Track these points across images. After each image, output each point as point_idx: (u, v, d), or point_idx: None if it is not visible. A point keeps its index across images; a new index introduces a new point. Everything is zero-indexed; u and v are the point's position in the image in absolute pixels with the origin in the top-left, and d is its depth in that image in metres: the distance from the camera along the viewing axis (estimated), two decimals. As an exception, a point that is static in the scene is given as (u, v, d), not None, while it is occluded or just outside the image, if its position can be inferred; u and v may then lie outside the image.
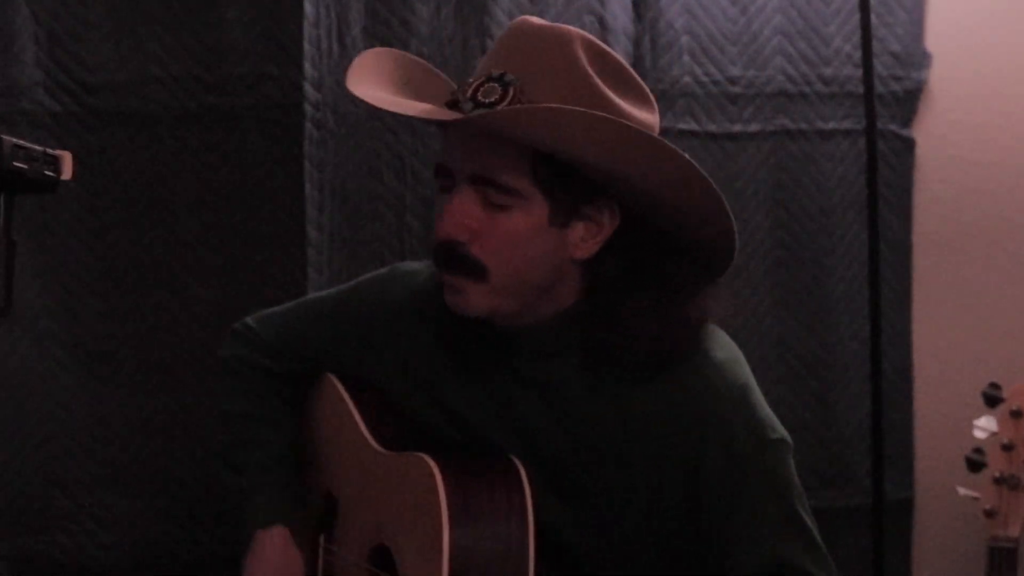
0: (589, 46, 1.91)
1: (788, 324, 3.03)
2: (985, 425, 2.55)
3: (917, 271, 3.11)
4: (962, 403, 2.86)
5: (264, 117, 2.76)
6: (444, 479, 1.92)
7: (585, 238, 1.92)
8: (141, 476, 2.79)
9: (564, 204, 1.89)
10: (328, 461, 2.20)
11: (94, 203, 2.76)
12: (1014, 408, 2.54)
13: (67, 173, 1.73)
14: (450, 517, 1.89)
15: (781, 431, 1.96)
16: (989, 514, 2.52)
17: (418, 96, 1.97)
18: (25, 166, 1.66)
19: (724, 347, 2.01)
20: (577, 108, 1.83)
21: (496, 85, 1.87)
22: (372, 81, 2.00)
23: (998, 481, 2.52)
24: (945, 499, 2.92)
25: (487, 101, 1.87)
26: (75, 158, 1.74)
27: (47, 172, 1.70)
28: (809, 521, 1.95)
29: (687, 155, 1.90)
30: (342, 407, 2.16)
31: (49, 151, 1.71)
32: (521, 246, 1.90)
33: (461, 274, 1.93)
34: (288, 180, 2.76)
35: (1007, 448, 2.52)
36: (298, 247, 2.75)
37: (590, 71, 1.88)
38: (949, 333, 3.11)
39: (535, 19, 1.95)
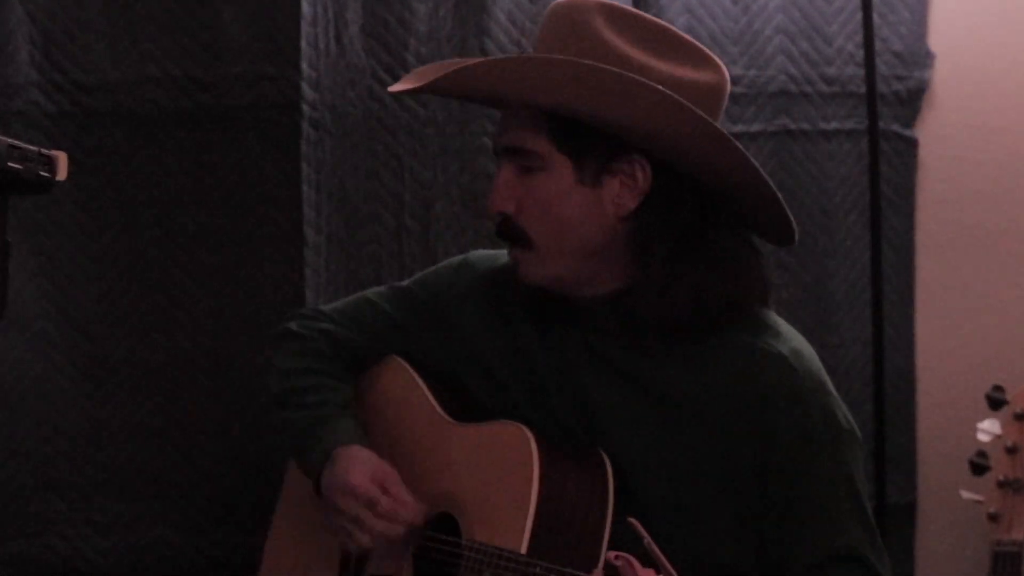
0: (611, 11, 1.95)
1: (789, 326, 3.03)
2: (989, 428, 2.55)
3: (920, 273, 3.11)
4: (965, 406, 2.86)
5: (261, 117, 2.76)
6: (539, 445, 1.96)
7: (621, 194, 1.96)
8: (137, 479, 2.78)
9: (589, 162, 1.94)
10: (387, 438, 2.20)
11: (89, 204, 2.76)
12: (1018, 411, 2.53)
13: (62, 174, 1.73)
14: (540, 486, 1.92)
15: (853, 424, 2.01)
16: (993, 518, 2.52)
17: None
18: (20, 166, 1.66)
19: (796, 334, 2.05)
20: (553, 56, 1.90)
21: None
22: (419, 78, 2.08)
23: (1002, 484, 2.52)
24: (948, 503, 2.92)
25: None
26: (70, 158, 1.74)
27: (42, 172, 1.70)
28: (871, 514, 2.01)
29: (700, 111, 1.91)
30: (410, 384, 2.20)
31: (44, 151, 1.71)
32: (555, 208, 1.96)
33: (514, 245, 2.01)
34: (285, 181, 2.76)
35: (1011, 451, 2.52)
36: (295, 248, 2.75)
37: (603, 31, 1.92)
38: (952, 335, 3.11)
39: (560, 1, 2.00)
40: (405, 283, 2.30)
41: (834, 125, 3.05)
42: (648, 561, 1.75)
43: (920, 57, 3.08)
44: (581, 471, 1.98)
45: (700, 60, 1.97)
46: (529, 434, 1.98)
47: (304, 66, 2.74)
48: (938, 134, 3.10)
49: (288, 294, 2.74)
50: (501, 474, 1.99)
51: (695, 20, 2.97)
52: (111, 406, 2.77)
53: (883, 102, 3.02)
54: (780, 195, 1.99)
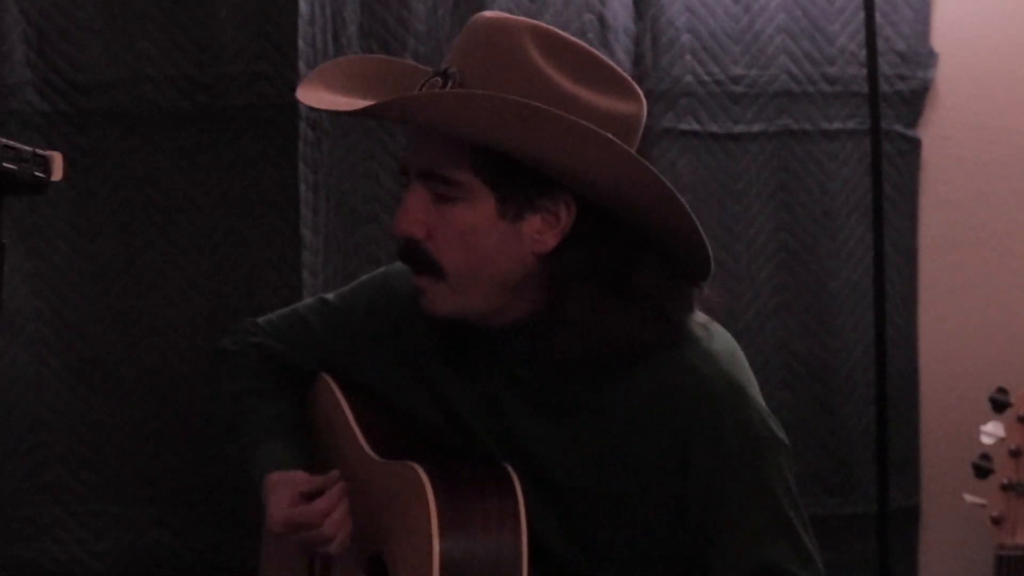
0: (542, 36, 1.88)
1: (791, 328, 3.03)
2: (992, 431, 2.55)
3: (923, 274, 3.11)
4: (969, 408, 2.86)
5: (258, 117, 2.76)
6: (434, 489, 1.91)
7: (542, 231, 1.90)
8: (133, 482, 2.79)
9: (512, 196, 1.88)
10: (324, 462, 2.20)
11: (85, 205, 2.76)
12: (1022, 413, 2.54)
13: (57, 174, 1.73)
14: (440, 528, 1.88)
15: (774, 430, 1.94)
16: (996, 521, 2.52)
17: (383, 94, 1.96)
18: (14, 167, 1.66)
19: (720, 340, 1.99)
20: (478, 92, 1.83)
21: (439, 79, 1.88)
22: (330, 82, 2.00)
23: (1006, 488, 2.52)
24: (952, 506, 2.92)
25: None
26: (65, 159, 1.74)
27: (37, 173, 1.70)
28: (799, 524, 1.93)
29: (633, 151, 1.88)
30: (338, 410, 2.16)
31: (39, 151, 1.70)
32: (472, 241, 1.89)
33: (422, 273, 1.93)
34: (282, 181, 2.76)
35: (1015, 454, 2.53)
36: (292, 249, 2.75)
37: (537, 59, 1.86)
38: (956, 337, 3.11)
39: (490, 13, 1.94)
40: (331, 297, 2.25)
41: (836, 125, 3.05)
42: None
43: (923, 56, 3.08)
44: (487, 504, 1.92)
45: (623, 89, 1.92)
46: (424, 478, 1.92)
47: (302, 65, 2.74)
48: (941, 134, 3.10)
49: (285, 296, 2.73)
50: (406, 521, 1.95)
51: (696, 19, 2.97)
52: (106, 409, 2.77)
53: (886, 102, 3.02)
54: (705, 238, 1.92)
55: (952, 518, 3.03)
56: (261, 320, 2.30)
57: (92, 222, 2.76)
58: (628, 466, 1.95)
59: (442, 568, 1.88)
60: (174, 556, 2.78)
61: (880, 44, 2.98)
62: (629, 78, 1.93)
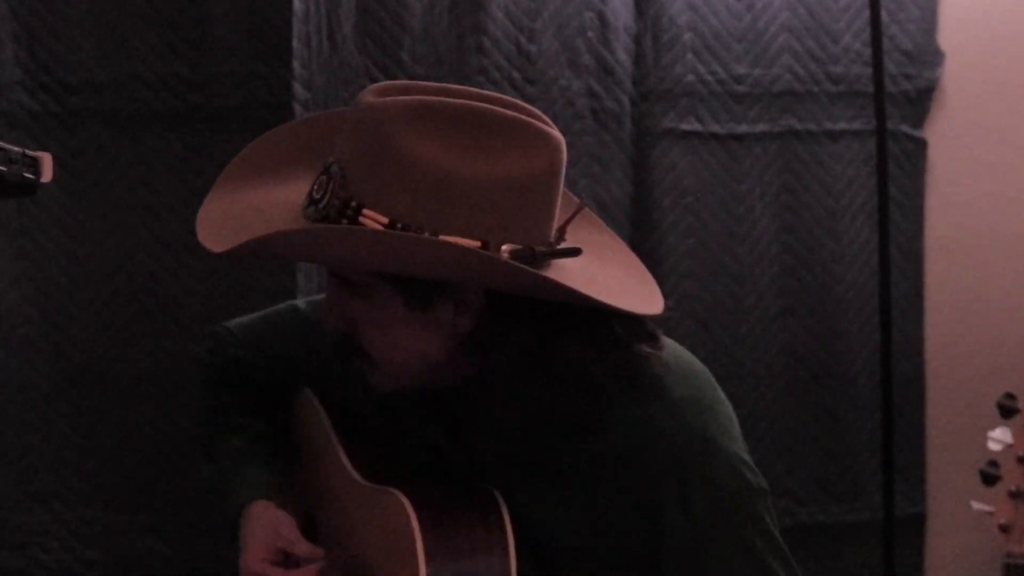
0: (417, 115, 1.80)
1: (795, 332, 3.03)
2: (1000, 437, 2.55)
3: (929, 277, 3.12)
4: (976, 414, 2.87)
5: (252, 117, 2.76)
6: (419, 517, 1.90)
7: (457, 314, 1.87)
8: (124, 490, 2.79)
9: (416, 290, 1.85)
10: (306, 479, 2.19)
11: (75, 206, 2.76)
12: (1030, 419, 2.54)
13: (47, 175, 1.74)
14: (427, 557, 1.88)
15: (747, 477, 1.89)
16: (1004, 529, 2.52)
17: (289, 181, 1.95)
18: (3, 168, 1.67)
19: (683, 383, 1.93)
20: (342, 227, 1.79)
21: (324, 178, 1.84)
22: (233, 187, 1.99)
23: (1013, 495, 2.52)
24: (958, 514, 2.92)
25: (318, 196, 1.84)
26: (55, 160, 1.75)
27: (26, 174, 1.71)
28: (782, 570, 1.89)
29: (496, 256, 1.80)
30: (320, 426, 2.14)
31: (28, 152, 1.71)
32: (390, 333, 1.88)
33: (358, 359, 1.93)
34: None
35: (1023, 461, 2.53)
36: (287, 252, 2.75)
37: (411, 145, 1.79)
38: (963, 341, 3.12)
39: (369, 95, 1.85)
40: (303, 305, 2.23)
41: (841, 125, 3.06)
42: None
43: (929, 55, 3.08)
44: (473, 531, 1.91)
45: (528, 142, 1.82)
46: (408, 507, 1.91)
47: (296, 65, 2.74)
48: (948, 135, 3.11)
49: (279, 298, 2.73)
50: (390, 549, 1.94)
51: (698, 17, 2.98)
52: (97, 414, 2.78)
53: (891, 102, 3.03)
54: (606, 302, 1.85)
55: (959, 526, 3.03)
56: (233, 326, 2.27)
57: (82, 224, 2.77)
58: (599, 527, 1.92)
59: None
60: (165, 564, 2.79)
61: (886, 43, 2.98)
62: (535, 124, 1.82)
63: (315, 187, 1.85)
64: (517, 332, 1.87)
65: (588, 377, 1.88)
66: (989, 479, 2.56)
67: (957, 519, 3.01)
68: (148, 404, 2.78)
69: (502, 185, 1.80)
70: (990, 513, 2.54)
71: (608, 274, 1.92)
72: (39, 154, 1.72)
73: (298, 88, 2.75)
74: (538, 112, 1.84)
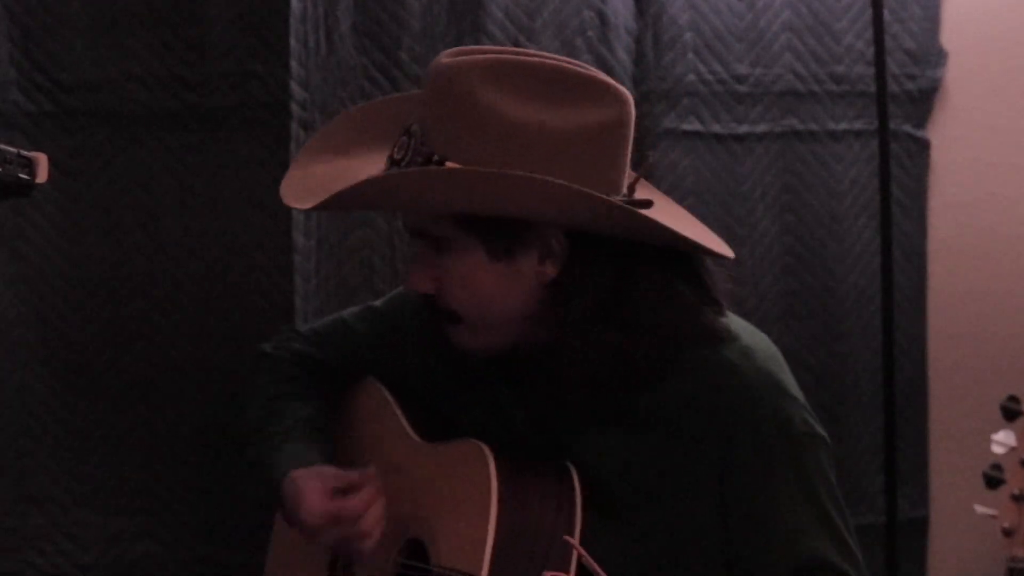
0: (493, 70, 1.91)
1: (797, 334, 3.04)
2: (1003, 440, 2.55)
3: (932, 278, 3.12)
4: (979, 416, 2.87)
5: (249, 117, 2.76)
6: (497, 464, 1.96)
7: (540, 263, 1.96)
8: (120, 493, 2.79)
9: (498, 241, 1.95)
10: (360, 459, 2.21)
11: (70, 207, 2.76)
12: (1034, 422, 2.54)
13: (42, 176, 1.74)
14: (500, 501, 1.93)
15: (814, 425, 2.00)
16: (1007, 533, 2.52)
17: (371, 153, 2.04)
18: (-2, 169, 1.67)
19: (756, 337, 2.06)
20: (431, 168, 1.88)
21: (404, 139, 1.94)
22: (315, 158, 2.09)
23: (1017, 498, 2.52)
24: (961, 517, 2.92)
25: (399, 156, 1.94)
26: (51, 160, 1.75)
27: (21, 175, 1.71)
28: (839, 518, 2.00)
29: (580, 187, 1.89)
30: (385, 406, 2.21)
31: (23, 153, 1.71)
32: (473, 285, 1.97)
33: (442, 319, 2.02)
34: (274, 183, 2.73)
35: (1026, 464, 2.53)
36: (285, 253, 2.76)
37: (490, 97, 1.89)
38: (966, 343, 3.12)
39: (444, 57, 1.96)
40: (378, 303, 2.32)
41: (843, 126, 3.06)
42: None
43: (933, 55, 3.09)
44: (545, 487, 1.98)
45: (598, 95, 1.94)
46: (487, 452, 1.98)
47: (293, 64, 2.74)
48: (951, 135, 3.11)
49: (277, 301, 2.74)
50: (462, 496, 2.00)
51: (699, 16, 2.98)
52: (92, 417, 2.78)
53: (894, 102, 3.03)
54: (700, 243, 1.99)
55: (962, 529, 3.03)
56: (304, 328, 2.37)
57: (78, 225, 2.77)
58: (672, 468, 1.99)
59: (495, 542, 1.92)
60: (161, 568, 2.79)
61: (888, 42, 2.99)
62: (604, 78, 1.95)
63: (395, 149, 1.95)
64: (598, 279, 1.95)
65: (661, 325, 1.97)
66: (992, 482, 2.56)
67: (960, 523, 3.01)
68: (144, 407, 2.78)
69: (577, 135, 1.90)
70: (993, 516, 2.53)
71: (678, 223, 2.00)
72: (34, 155, 1.73)
73: (295, 88, 2.75)
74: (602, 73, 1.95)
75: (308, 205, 1.97)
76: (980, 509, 2.55)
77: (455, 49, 1.97)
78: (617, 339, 1.95)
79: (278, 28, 2.74)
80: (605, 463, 2.02)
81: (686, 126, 2.98)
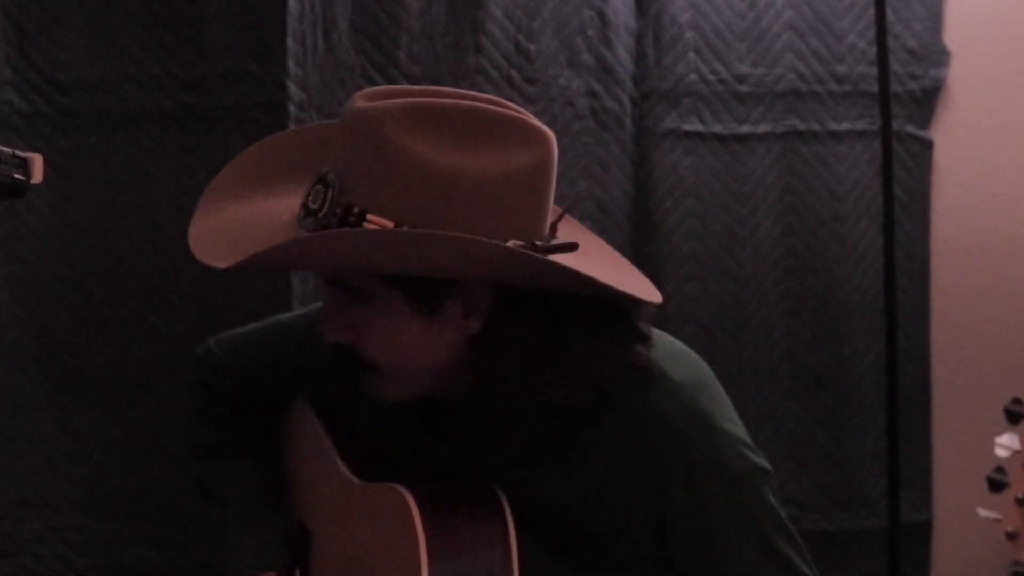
0: (410, 115, 1.82)
1: (799, 336, 3.03)
2: (1007, 443, 2.55)
3: (935, 280, 3.12)
4: (983, 419, 2.86)
5: (246, 117, 2.76)
6: (421, 512, 1.91)
7: (464, 315, 1.89)
8: (116, 496, 2.79)
9: (421, 293, 1.86)
10: (301, 490, 2.20)
11: (66, 208, 2.76)
12: (1038, 425, 2.54)
13: (37, 176, 1.74)
14: (428, 551, 1.89)
15: (750, 457, 1.94)
16: (1011, 537, 2.52)
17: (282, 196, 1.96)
18: (-7, 169, 1.67)
19: (683, 370, 1.97)
20: (354, 230, 1.80)
21: (320, 188, 1.85)
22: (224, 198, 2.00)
23: (1021, 502, 2.52)
24: (965, 521, 2.92)
25: (314, 207, 1.85)
26: (46, 161, 1.75)
27: (16, 175, 1.70)
28: (791, 550, 1.94)
29: (506, 244, 1.82)
30: (315, 435, 2.16)
31: (18, 153, 1.71)
32: (392, 339, 1.89)
33: (361, 369, 1.94)
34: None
35: (1030, 467, 2.53)
36: (282, 255, 2.75)
37: (406, 143, 1.80)
38: (969, 345, 3.12)
39: (359, 100, 1.87)
40: (287, 319, 2.24)
41: (845, 126, 3.06)
42: None
43: (935, 54, 3.08)
44: (477, 530, 1.93)
45: (521, 136, 1.85)
46: (411, 503, 1.92)
47: (291, 64, 2.74)
48: (954, 135, 3.11)
49: (274, 302, 2.74)
50: (392, 550, 1.95)
51: (700, 16, 2.98)
52: (88, 420, 2.78)
53: (897, 102, 3.03)
54: (621, 290, 1.90)
55: (965, 533, 3.03)
56: (217, 345, 2.26)
57: (74, 226, 2.77)
58: (606, 515, 1.95)
59: None
60: (157, 572, 2.79)
61: (891, 41, 2.98)
62: (526, 118, 1.85)
63: (310, 198, 1.86)
64: (525, 329, 1.89)
65: (591, 370, 1.91)
66: (996, 486, 2.56)
67: (963, 526, 3.01)
68: (140, 410, 2.78)
69: (500, 181, 1.82)
70: (997, 520, 2.53)
71: (604, 269, 1.93)
72: (29, 155, 1.72)
73: (293, 88, 2.75)
74: (523, 110, 1.86)
75: (224, 264, 1.89)
76: (984, 513, 2.55)
77: (370, 90, 1.88)
78: (544, 389, 1.90)
79: (275, 28, 2.75)
80: (538, 499, 1.97)
81: (687, 126, 2.98)
